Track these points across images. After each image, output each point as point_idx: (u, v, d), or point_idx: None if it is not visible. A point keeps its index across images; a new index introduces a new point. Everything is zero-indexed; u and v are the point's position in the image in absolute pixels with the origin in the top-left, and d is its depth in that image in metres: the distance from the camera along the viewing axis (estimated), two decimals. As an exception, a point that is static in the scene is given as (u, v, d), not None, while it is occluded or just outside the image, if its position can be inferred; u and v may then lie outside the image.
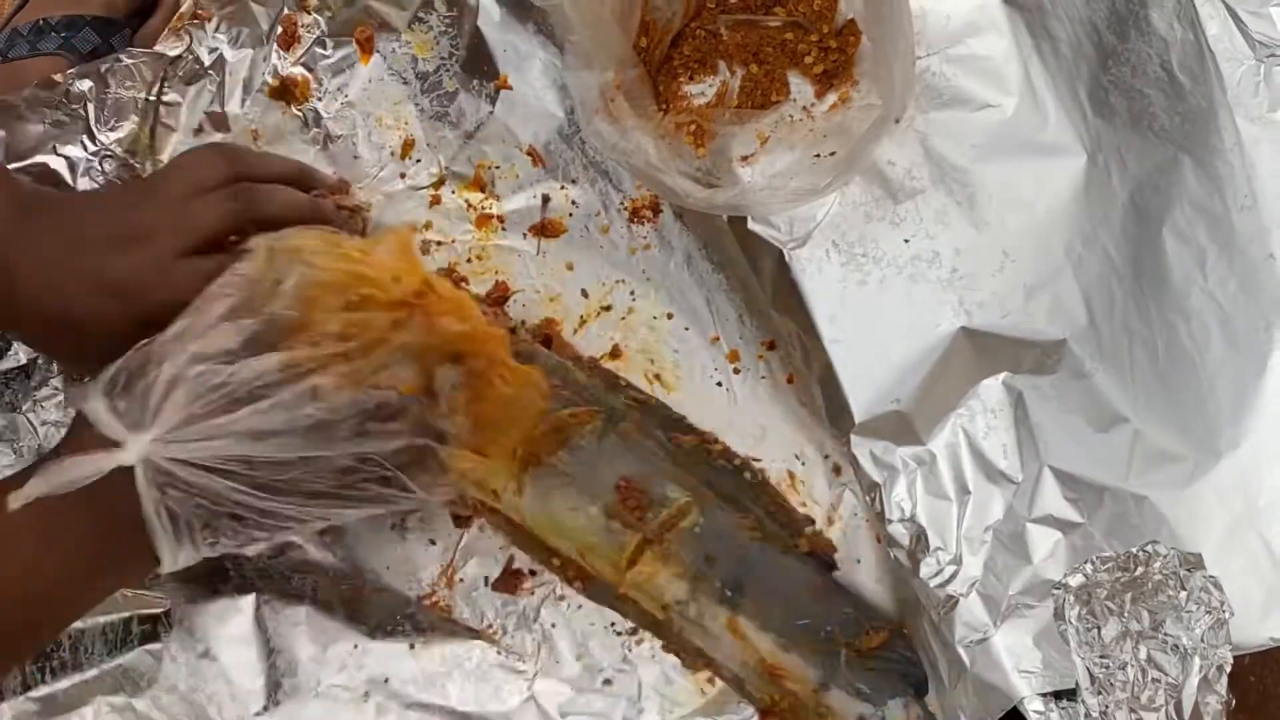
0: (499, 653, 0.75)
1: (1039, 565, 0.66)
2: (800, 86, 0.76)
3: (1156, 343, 0.69)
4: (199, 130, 0.80)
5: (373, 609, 0.76)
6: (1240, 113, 0.70)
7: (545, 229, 0.78)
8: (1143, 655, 0.62)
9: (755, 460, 0.75)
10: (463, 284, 0.77)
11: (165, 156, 0.79)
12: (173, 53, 0.80)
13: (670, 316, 0.77)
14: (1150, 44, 0.71)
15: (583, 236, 0.78)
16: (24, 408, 0.78)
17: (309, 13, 0.81)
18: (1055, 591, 0.64)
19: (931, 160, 0.72)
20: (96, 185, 0.77)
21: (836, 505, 0.74)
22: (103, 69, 0.78)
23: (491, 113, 0.79)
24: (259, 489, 0.57)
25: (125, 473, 0.55)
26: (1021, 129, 0.71)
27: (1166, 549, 0.63)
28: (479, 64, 0.79)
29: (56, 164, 0.77)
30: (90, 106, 0.78)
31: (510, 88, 0.79)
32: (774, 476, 0.75)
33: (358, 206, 0.78)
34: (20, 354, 0.78)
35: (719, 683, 0.73)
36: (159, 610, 0.74)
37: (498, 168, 0.79)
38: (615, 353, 0.77)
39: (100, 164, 0.78)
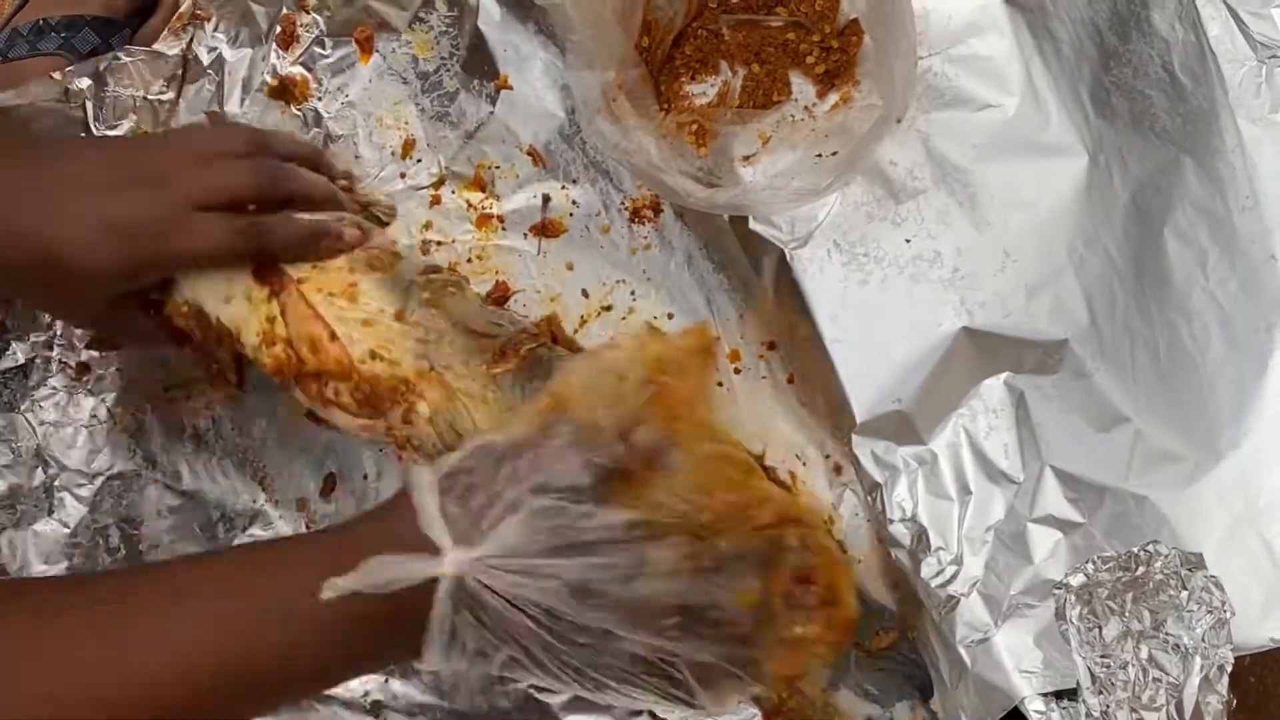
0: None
1: (1040, 565, 0.66)
2: (802, 86, 0.76)
3: (1158, 343, 0.69)
4: (199, 130, 0.80)
5: (373, 609, 0.76)
6: (1242, 114, 0.70)
7: (546, 229, 0.78)
8: (1144, 655, 0.62)
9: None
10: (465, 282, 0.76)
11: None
12: (171, 52, 0.80)
13: (671, 316, 0.77)
14: (1152, 45, 0.71)
15: (583, 236, 0.78)
16: (22, 408, 0.78)
17: (308, 12, 0.81)
18: (1056, 591, 0.64)
19: (933, 160, 0.72)
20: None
21: (837, 505, 0.74)
22: (101, 67, 0.78)
23: (492, 113, 0.79)
24: (550, 641, 0.51)
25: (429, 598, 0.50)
26: (1023, 129, 0.72)
27: (1168, 549, 0.63)
28: (479, 64, 0.79)
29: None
30: (89, 105, 0.78)
31: (510, 88, 0.79)
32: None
33: (376, 202, 0.76)
34: (19, 354, 0.78)
35: (719, 683, 0.73)
36: (158, 610, 0.74)
37: (498, 168, 0.79)
38: (616, 353, 0.77)
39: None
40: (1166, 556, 0.63)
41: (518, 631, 0.50)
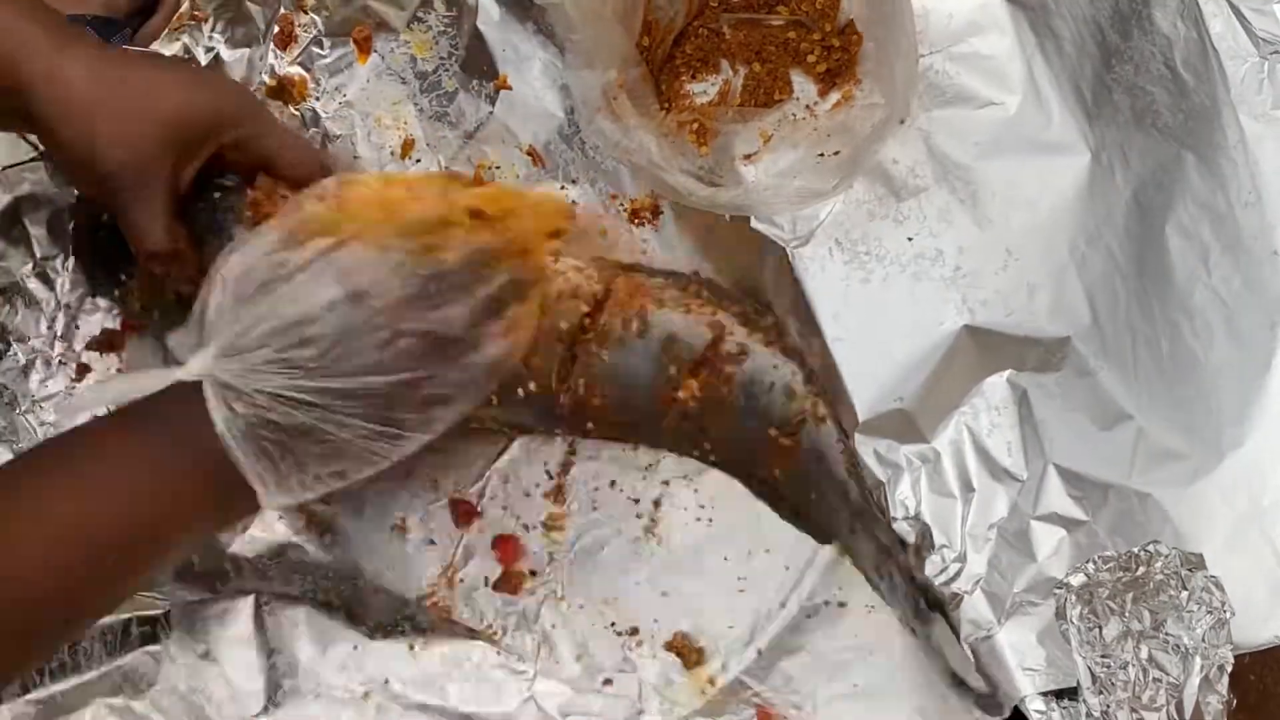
0: (499, 653, 0.75)
1: (1043, 563, 0.65)
2: (803, 85, 0.76)
3: (1160, 340, 0.69)
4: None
5: (373, 609, 0.76)
6: (1244, 110, 0.70)
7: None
8: (1144, 655, 0.62)
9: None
10: None
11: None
12: (169, 52, 0.80)
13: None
14: (1154, 42, 0.71)
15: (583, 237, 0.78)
16: (23, 408, 0.78)
17: (306, 12, 0.81)
18: (1057, 591, 0.64)
19: (935, 158, 0.72)
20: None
21: (838, 505, 0.74)
22: (101, 67, 0.77)
23: (491, 113, 0.79)
24: (317, 393, 0.54)
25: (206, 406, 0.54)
26: (1025, 127, 0.71)
27: (1168, 549, 0.63)
28: (478, 64, 0.79)
29: (55, 162, 0.77)
30: (89, 104, 0.77)
31: (510, 88, 0.79)
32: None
33: None
34: (19, 354, 0.78)
35: (719, 683, 0.73)
36: (158, 612, 0.74)
37: (498, 168, 0.79)
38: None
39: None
40: (1167, 556, 0.63)
41: (285, 389, 0.53)
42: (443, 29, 0.80)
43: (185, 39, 0.80)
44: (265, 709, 0.74)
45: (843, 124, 0.72)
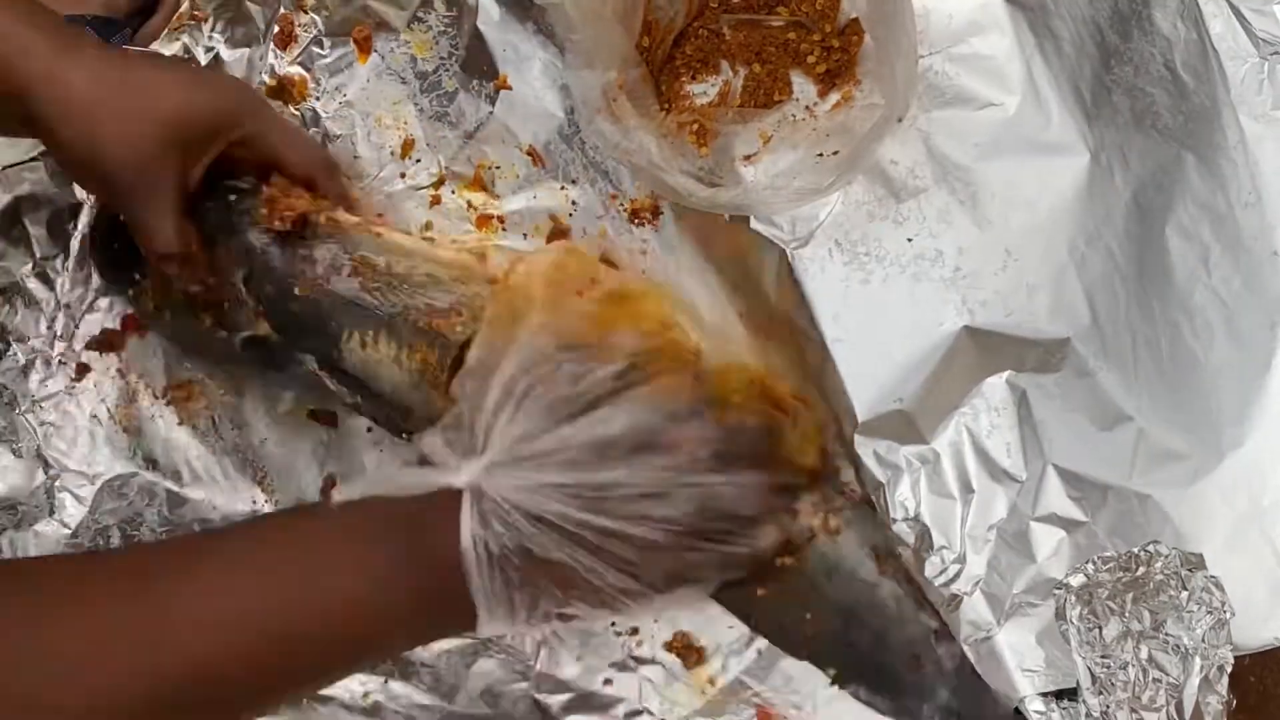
0: (499, 653, 0.75)
1: (1043, 564, 0.66)
2: (803, 86, 0.76)
3: (1160, 341, 0.69)
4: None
5: (373, 610, 0.76)
6: (1244, 110, 0.70)
7: (552, 239, 0.78)
8: (1144, 655, 0.62)
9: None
10: None
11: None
12: (169, 52, 0.80)
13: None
14: (1153, 43, 0.71)
15: (582, 237, 0.78)
16: (23, 408, 0.78)
17: (306, 12, 0.80)
18: (1056, 591, 0.64)
19: (934, 159, 0.72)
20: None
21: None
22: (100, 67, 0.77)
23: (491, 113, 0.79)
24: (588, 529, 0.51)
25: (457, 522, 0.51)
26: (1024, 128, 0.71)
27: (1168, 549, 0.63)
28: (478, 64, 0.79)
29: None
30: (89, 104, 0.77)
31: (510, 88, 0.79)
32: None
33: None
34: (19, 354, 0.78)
35: (719, 683, 0.74)
36: (158, 612, 0.74)
37: (498, 168, 0.79)
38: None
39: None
40: (1166, 557, 0.63)
41: (553, 515, 0.50)
42: (443, 29, 0.80)
43: (185, 39, 0.80)
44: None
45: (842, 124, 0.72)
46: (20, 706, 0.46)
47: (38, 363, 0.78)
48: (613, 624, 0.75)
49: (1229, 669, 0.62)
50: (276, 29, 0.80)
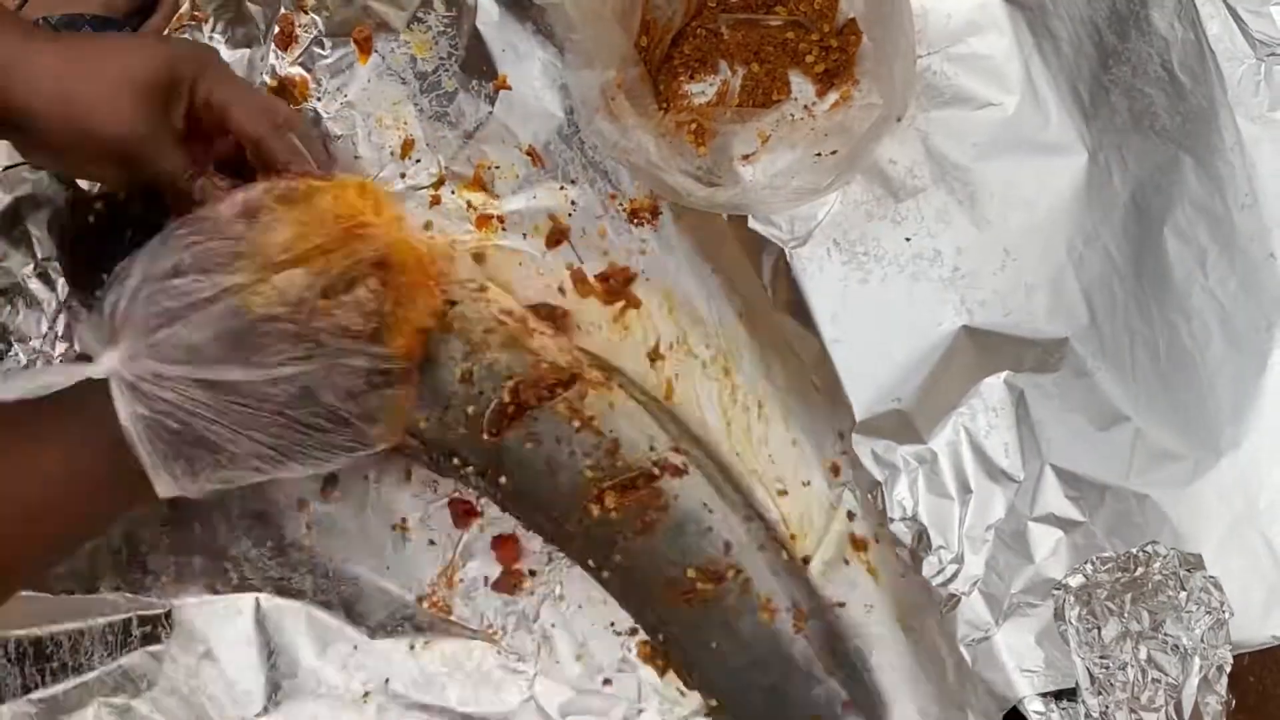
0: (499, 653, 0.75)
1: (1041, 564, 0.65)
2: (801, 85, 0.76)
3: (1158, 341, 0.69)
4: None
5: (373, 609, 0.76)
6: (1241, 112, 0.70)
7: (552, 239, 0.78)
8: (1143, 655, 0.62)
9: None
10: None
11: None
12: (171, 52, 0.80)
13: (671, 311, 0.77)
14: (1151, 43, 0.71)
15: (582, 237, 0.78)
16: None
17: (306, 12, 0.80)
18: (1055, 592, 0.64)
19: (933, 159, 0.72)
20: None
21: (836, 505, 0.74)
22: (100, 67, 0.77)
23: (491, 113, 0.79)
24: (216, 410, 0.59)
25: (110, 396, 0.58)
26: (1023, 128, 0.71)
27: (1166, 549, 0.63)
28: (478, 64, 0.79)
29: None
30: (89, 105, 0.77)
31: (509, 88, 0.79)
32: (774, 475, 0.75)
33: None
34: (20, 355, 0.78)
35: (719, 683, 0.74)
36: (159, 611, 0.75)
37: (497, 168, 0.79)
38: (616, 354, 0.77)
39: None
40: (1165, 557, 0.63)
41: (186, 405, 0.58)
42: (442, 29, 0.80)
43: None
44: (265, 709, 0.74)
45: (840, 124, 0.72)
46: None
47: (38, 363, 0.78)
48: (612, 624, 0.75)
49: (1228, 669, 0.62)
50: (277, 29, 0.80)
